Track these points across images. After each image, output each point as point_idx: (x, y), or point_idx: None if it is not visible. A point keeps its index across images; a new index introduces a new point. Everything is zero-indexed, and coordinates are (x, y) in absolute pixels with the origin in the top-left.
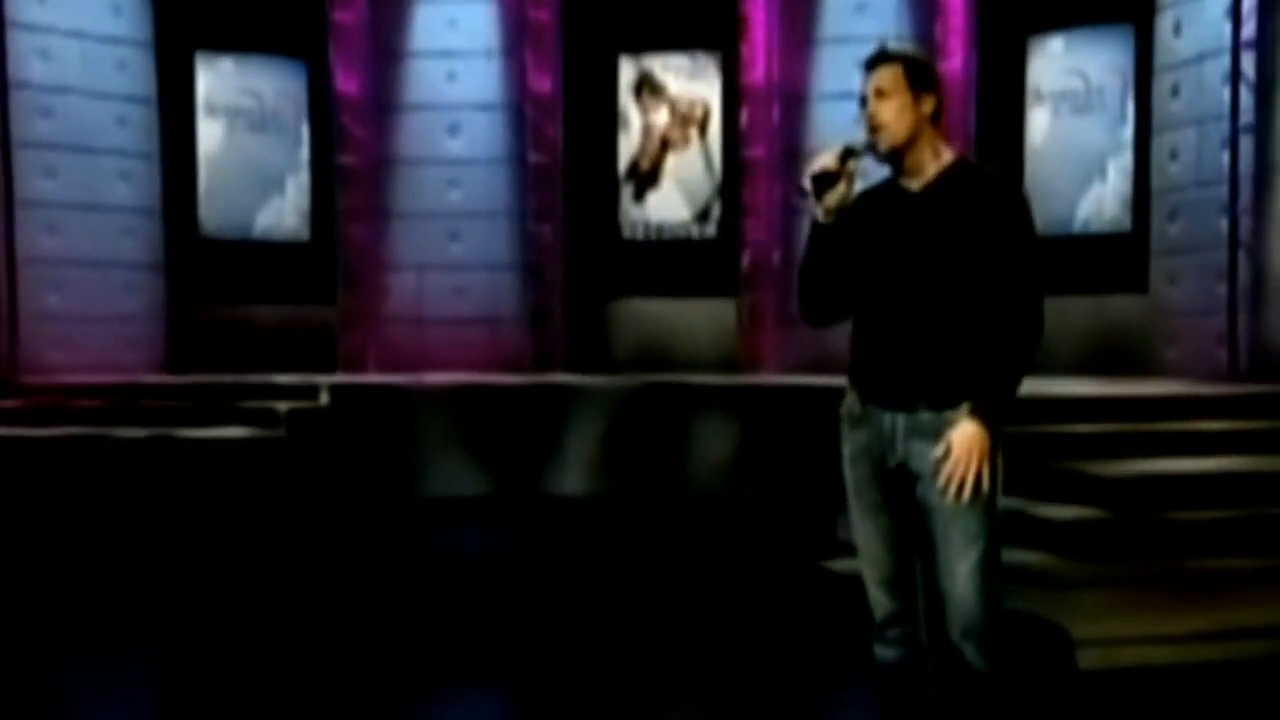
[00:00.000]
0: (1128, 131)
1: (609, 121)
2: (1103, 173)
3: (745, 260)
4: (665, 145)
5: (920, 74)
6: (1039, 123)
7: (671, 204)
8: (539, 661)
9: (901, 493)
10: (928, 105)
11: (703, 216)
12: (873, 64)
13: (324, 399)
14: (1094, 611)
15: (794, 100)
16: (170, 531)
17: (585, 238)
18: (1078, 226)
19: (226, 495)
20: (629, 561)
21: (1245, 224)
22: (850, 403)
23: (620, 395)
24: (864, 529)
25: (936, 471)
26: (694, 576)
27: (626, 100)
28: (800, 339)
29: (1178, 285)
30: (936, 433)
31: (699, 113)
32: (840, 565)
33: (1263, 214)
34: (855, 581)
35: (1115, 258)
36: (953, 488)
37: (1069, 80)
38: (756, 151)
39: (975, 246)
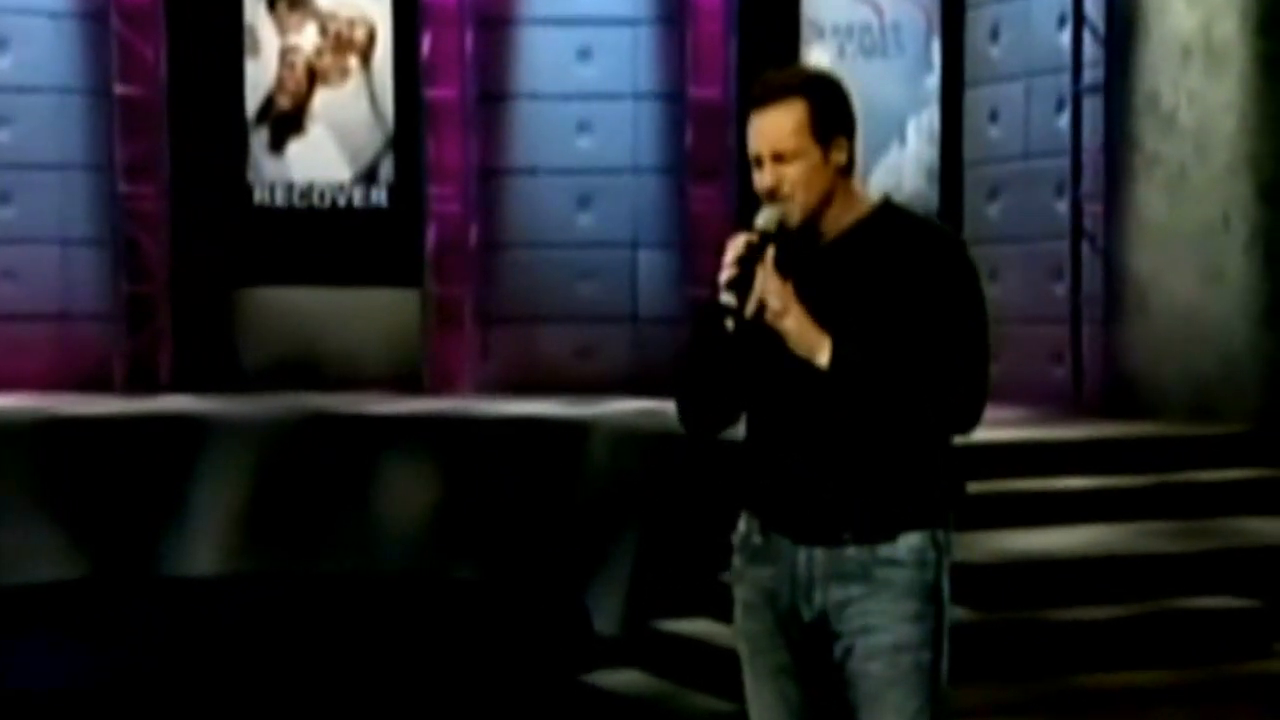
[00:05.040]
0: (933, 82)
1: (232, 42)
2: (901, 134)
3: (430, 238)
4: (313, 77)
5: (830, 113)
6: (818, 66)
7: (323, 158)
8: None
9: (817, 653)
10: (840, 154)
11: (368, 177)
12: (761, 100)
13: None
14: None
15: (493, 24)
16: None
17: (200, 202)
18: None
19: None
20: (290, 681)
21: (1091, 210)
22: (746, 530)
23: (267, 431)
24: (763, 698)
25: (866, 628)
26: (393, 702)
27: (256, 13)
28: (506, 346)
29: (1000, 283)
30: (867, 575)
31: (360, 35)
32: (607, 680)
33: (1116, 198)
34: (635, 706)
35: None
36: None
37: (856, 12)
38: (444, 91)
39: (902, 314)
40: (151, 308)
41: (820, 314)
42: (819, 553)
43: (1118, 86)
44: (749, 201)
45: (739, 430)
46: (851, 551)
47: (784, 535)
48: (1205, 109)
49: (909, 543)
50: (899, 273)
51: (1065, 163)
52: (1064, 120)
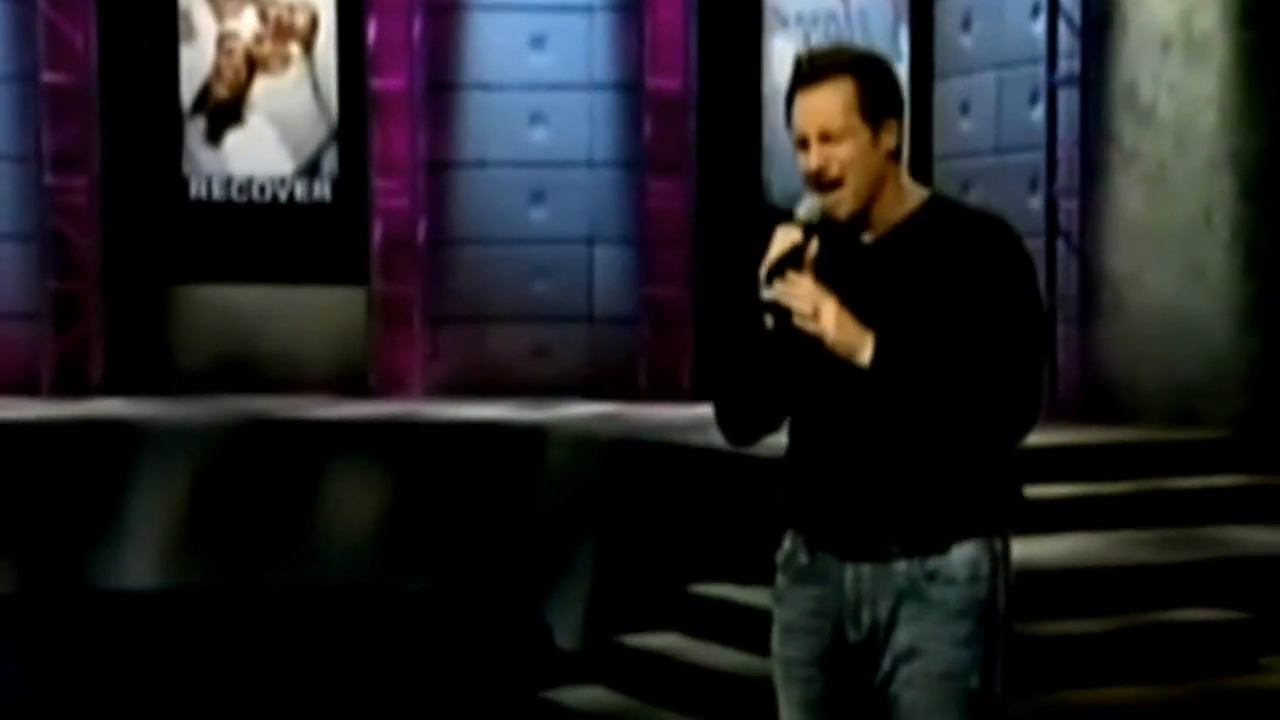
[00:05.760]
0: (901, 72)
1: (166, 27)
2: None
3: (377, 234)
4: (253, 65)
5: (880, 93)
6: (782, 56)
7: (263, 150)
8: None
9: (858, 679)
10: (890, 136)
11: (311, 170)
12: (806, 79)
13: None
14: None
15: (443, 10)
16: None
17: (133, 195)
18: None
19: None
20: (234, 701)
21: (1066, 206)
22: (792, 549)
23: (206, 436)
24: None
25: (911, 651)
26: None
27: None
28: (456, 346)
29: None
30: (916, 592)
31: (302, 21)
32: (569, 697)
33: (1092, 194)
34: None
35: None
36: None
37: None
38: (391, 80)
39: (952, 315)
40: (81, 306)
41: (865, 315)
42: (867, 570)
43: (1094, 78)
44: (710, 196)
45: (758, 445)
46: (901, 566)
47: (831, 553)
48: (1185, 102)
49: (962, 554)
50: (950, 274)
51: (1039, 157)
52: (1038, 113)
